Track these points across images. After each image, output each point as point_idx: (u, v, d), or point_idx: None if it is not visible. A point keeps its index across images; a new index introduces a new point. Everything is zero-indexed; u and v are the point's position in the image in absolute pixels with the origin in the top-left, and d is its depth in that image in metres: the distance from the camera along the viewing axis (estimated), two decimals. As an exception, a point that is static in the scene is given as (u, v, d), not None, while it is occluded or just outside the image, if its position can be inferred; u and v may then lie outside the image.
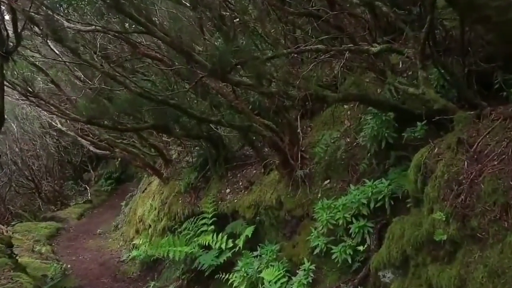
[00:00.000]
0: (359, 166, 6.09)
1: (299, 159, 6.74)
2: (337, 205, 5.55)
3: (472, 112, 4.07)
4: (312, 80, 5.28)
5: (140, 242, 11.03)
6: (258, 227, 7.50)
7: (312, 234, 5.92)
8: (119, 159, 17.42)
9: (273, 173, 7.56)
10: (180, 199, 10.28)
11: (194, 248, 8.27)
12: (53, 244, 14.67)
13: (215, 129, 8.72)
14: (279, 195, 6.90)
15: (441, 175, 3.72)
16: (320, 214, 5.72)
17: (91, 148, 14.89)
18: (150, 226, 11.40)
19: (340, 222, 5.43)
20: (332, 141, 6.58)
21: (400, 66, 6.17)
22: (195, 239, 8.49)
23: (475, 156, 3.57)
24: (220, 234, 8.15)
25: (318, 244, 5.71)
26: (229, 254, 7.61)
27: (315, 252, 5.86)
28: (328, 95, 5.30)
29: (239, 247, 7.45)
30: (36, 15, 6.31)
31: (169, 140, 12.00)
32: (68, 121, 11.81)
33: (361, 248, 5.27)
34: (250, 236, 7.36)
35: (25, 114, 17.55)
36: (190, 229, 9.00)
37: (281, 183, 7.03)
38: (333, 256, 5.47)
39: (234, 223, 8.08)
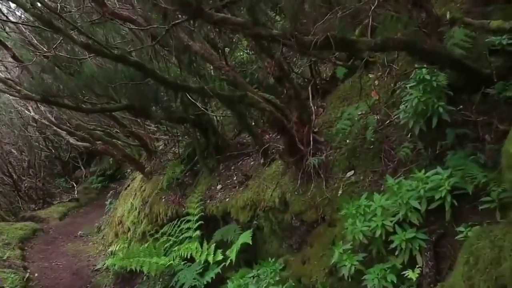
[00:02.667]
0: (397, 151, 4.27)
1: (311, 143, 4.92)
2: (371, 207, 3.73)
3: None
4: (336, 17, 3.47)
5: (117, 248, 9.25)
6: (255, 234, 5.69)
7: (331, 247, 4.11)
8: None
9: (276, 163, 5.75)
10: (163, 197, 8.47)
11: (173, 259, 6.46)
12: (26, 248, 12.90)
13: (203, 109, 6.90)
14: (284, 192, 5.09)
15: None
16: (346, 220, 3.91)
17: (71, 140, 13.09)
18: (129, 229, 9.60)
19: (377, 232, 3.60)
20: (357, 118, 4.76)
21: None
22: (176, 247, 6.68)
23: None
24: (207, 242, 6.35)
25: (341, 263, 3.88)
26: (217, 270, 5.79)
27: (336, 274, 4.07)
28: (360, 40, 3.50)
29: (231, 261, 5.63)
30: None
31: (155, 128, 10.19)
32: (34, 106, 9.98)
33: (409, 273, 3.44)
34: (245, 246, 5.55)
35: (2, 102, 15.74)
36: (171, 234, 7.20)
37: (286, 176, 5.22)
38: (365, 283, 3.65)
39: (225, 228, 6.28)
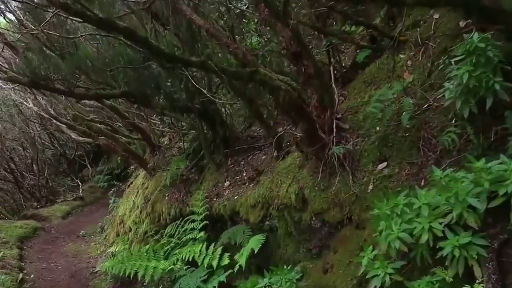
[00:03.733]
0: (440, 139, 3.53)
1: (334, 130, 4.19)
2: (414, 205, 2.98)
3: None
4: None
5: (117, 249, 8.57)
6: (268, 236, 4.96)
7: (361, 254, 3.38)
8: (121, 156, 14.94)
9: (292, 156, 5.02)
10: (166, 195, 7.77)
11: (174, 263, 5.75)
12: (24, 247, 12.31)
13: (211, 97, 6.18)
14: (302, 187, 4.35)
15: None
16: (378, 222, 3.17)
17: (73, 135, 12.46)
18: (130, 229, 8.92)
19: (423, 237, 2.85)
20: (390, 100, 4.00)
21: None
22: (178, 250, 5.97)
23: None
24: (213, 244, 5.63)
25: (374, 274, 3.15)
26: (223, 277, 5.06)
27: (366, 286, 3.33)
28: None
29: (240, 266, 4.90)
30: None
31: (158, 122, 9.50)
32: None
33: (465, 289, 2.70)
34: (256, 250, 4.82)
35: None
36: (173, 235, 6.49)
37: (304, 168, 4.48)
38: (406, 300, 2.91)
39: (234, 229, 5.56)
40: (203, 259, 5.36)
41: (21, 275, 8.97)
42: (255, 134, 7.22)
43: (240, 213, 5.57)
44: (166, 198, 7.66)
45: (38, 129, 17.22)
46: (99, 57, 6.32)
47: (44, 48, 5.97)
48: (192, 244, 6.01)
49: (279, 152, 5.55)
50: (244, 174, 6.39)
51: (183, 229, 6.55)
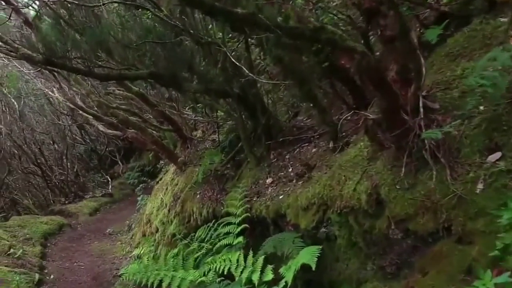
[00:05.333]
0: None
1: (421, 110, 3.14)
2: None
3: None
4: None
5: (143, 252, 7.71)
6: (324, 248, 3.94)
7: (466, 278, 2.33)
8: (152, 151, 14.16)
9: (356, 147, 3.99)
10: (198, 193, 6.85)
11: (206, 274, 4.79)
12: (48, 245, 11.68)
13: (253, 77, 5.20)
14: (376, 185, 3.28)
15: None
16: (501, 235, 2.12)
17: (100, 127, 11.73)
18: (157, 229, 8.03)
19: None
20: (500, 72, 2.92)
21: None
22: (211, 258, 5.02)
23: None
24: (253, 253, 4.65)
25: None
26: (266, 296, 4.07)
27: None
28: None
29: (286, 283, 3.89)
30: None
31: (191, 113, 8.58)
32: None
33: None
34: (313, 266, 3.79)
35: (30, 89, 14.56)
36: (205, 239, 5.55)
37: (378, 160, 3.43)
38: None
39: (279, 236, 4.55)
40: (241, 271, 4.37)
41: (37, 276, 8.21)
42: (301, 124, 6.22)
43: (286, 216, 4.57)
44: (198, 196, 6.74)
45: (69, 122, 16.65)
46: (124, 32, 5.45)
47: (60, 21, 5.12)
48: (227, 252, 5.05)
49: (336, 142, 4.53)
50: (290, 169, 5.40)
51: (216, 232, 5.60)
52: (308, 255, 3.71)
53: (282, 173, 5.48)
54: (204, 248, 5.44)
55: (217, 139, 7.57)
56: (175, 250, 6.41)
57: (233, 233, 5.14)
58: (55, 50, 5.12)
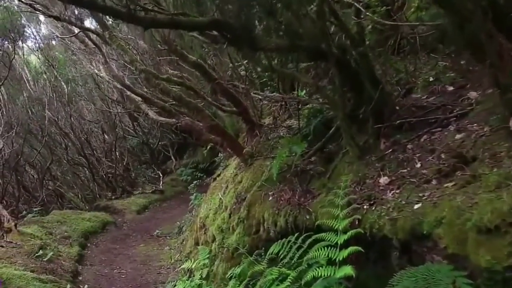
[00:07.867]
0: None
1: None
2: None
3: None
4: None
5: (194, 266, 6.09)
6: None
7: None
8: (208, 147, 12.60)
9: None
10: (270, 194, 5.11)
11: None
12: (88, 245, 10.36)
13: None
14: None
15: None
16: None
17: (151, 113, 10.29)
18: (214, 238, 6.35)
19: None
20: None
21: None
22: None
23: None
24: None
25: None
26: None
27: None
28: None
29: None
30: None
31: (259, 92, 6.83)
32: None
33: None
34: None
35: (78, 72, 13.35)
36: (285, 261, 3.80)
37: None
38: None
39: (421, 270, 2.71)
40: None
41: (68, 286, 6.74)
42: (424, 103, 4.35)
43: (433, 239, 2.74)
44: (271, 198, 5.00)
45: (119, 110, 15.41)
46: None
47: None
48: (323, 283, 3.26)
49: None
50: (418, 165, 3.57)
51: (300, 251, 3.84)
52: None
53: (406, 170, 3.65)
54: (285, 275, 3.67)
55: (294, 125, 5.80)
56: (237, 270, 4.73)
57: (333, 257, 3.33)
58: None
